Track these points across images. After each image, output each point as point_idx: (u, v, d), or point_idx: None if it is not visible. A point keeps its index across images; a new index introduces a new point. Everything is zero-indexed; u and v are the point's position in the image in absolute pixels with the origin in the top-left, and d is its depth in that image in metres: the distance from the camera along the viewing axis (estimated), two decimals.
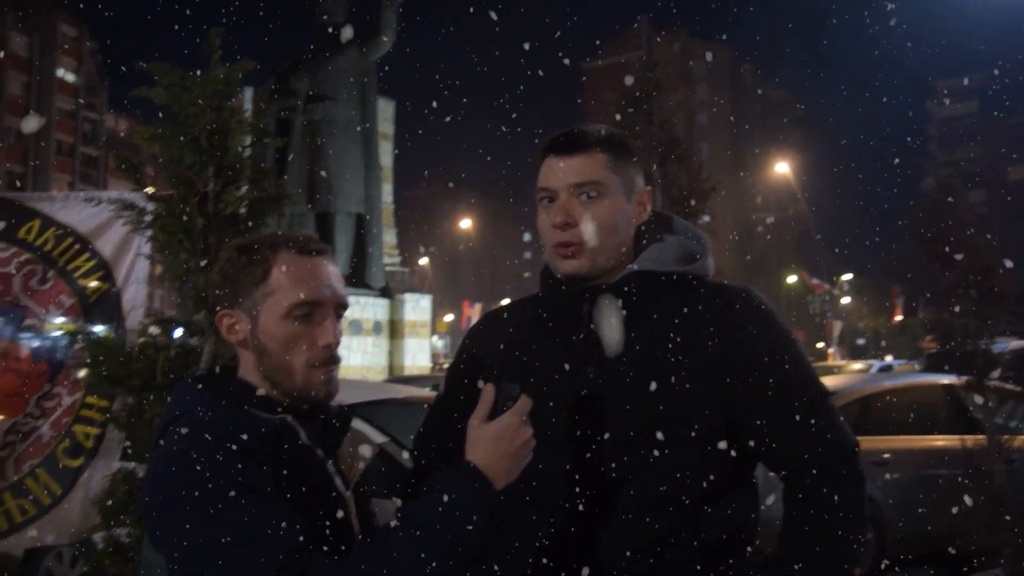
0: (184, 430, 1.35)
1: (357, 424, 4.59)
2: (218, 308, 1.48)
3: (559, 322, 1.67)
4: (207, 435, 1.32)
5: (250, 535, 1.23)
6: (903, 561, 6.56)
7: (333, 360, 1.48)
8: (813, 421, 1.57)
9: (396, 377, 13.90)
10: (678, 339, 1.57)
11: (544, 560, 1.57)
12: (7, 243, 3.33)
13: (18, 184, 49.30)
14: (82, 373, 3.31)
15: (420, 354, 16.14)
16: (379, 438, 4.55)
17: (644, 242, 1.71)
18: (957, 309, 5.74)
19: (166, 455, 1.33)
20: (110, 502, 3.09)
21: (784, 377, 1.58)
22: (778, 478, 1.64)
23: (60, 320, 3.37)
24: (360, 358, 14.80)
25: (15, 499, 3.26)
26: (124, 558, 3.15)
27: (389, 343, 15.65)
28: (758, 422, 1.57)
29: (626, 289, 1.62)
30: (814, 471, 1.56)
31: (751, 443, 1.59)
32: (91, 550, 4.29)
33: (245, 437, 1.33)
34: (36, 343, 3.34)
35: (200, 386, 1.45)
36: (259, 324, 1.44)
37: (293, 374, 1.44)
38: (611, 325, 1.58)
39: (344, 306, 1.51)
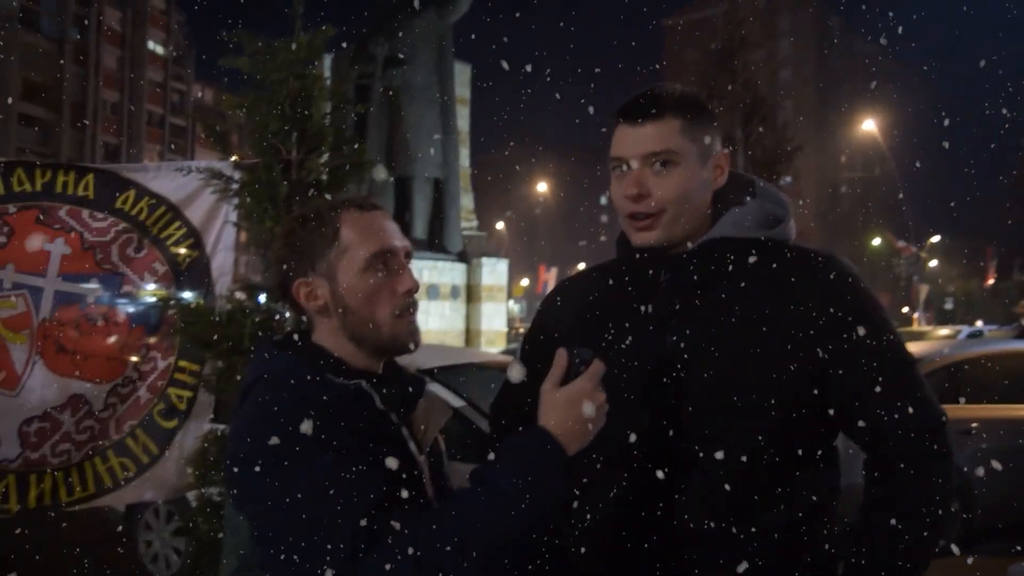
0: (265, 392, 1.39)
1: (433, 388, 4.66)
2: (292, 278, 1.50)
3: (637, 289, 1.65)
4: (287, 397, 1.36)
5: (329, 494, 1.26)
6: (990, 532, 6.39)
7: (415, 306, 1.52)
8: (899, 390, 1.53)
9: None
10: (760, 305, 1.55)
11: (624, 526, 1.58)
12: (105, 213, 3.46)
13: (119, 154, 51.25)
14: (151, 338, 3.44)
15: (497, 318, 16.23)
16: (457, 402, 4.62)
17: (723, 206, 1.66)
18: None
19: (248, 417, 1.38)
20: (202, 462, 3.24)
21: (870, 345, 1.53)
22: (860, 448, 1.61)
23: (154, 287, 3.50)
24: (438, 322, 14.98)
25: (118, 457, 3.43)
26: (215, 515, 3.30)
27: (466, 307, 15.78)
28: (842, 390, 1.54)
29: (705, 256, 1.60)
30: (900, 442, 1.53)
31: (834, 411, 1.56)
32: (185, 507, 4.51)
33: (324, 399, 1.36)
34: (133, 309, 3.48)
35: (279, 350, 1.48)
36: (339, 284, 1.47)
37: (380, 327, 1.47)
38: None
39: (410, 254, 1.55)
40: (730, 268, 1.59)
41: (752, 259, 1.60)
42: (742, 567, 1.50)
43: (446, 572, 1.22)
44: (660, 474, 1.54)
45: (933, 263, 50.31)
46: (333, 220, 1.49)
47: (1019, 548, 5.68)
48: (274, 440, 1.30)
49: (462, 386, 4.93)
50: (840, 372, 1.53)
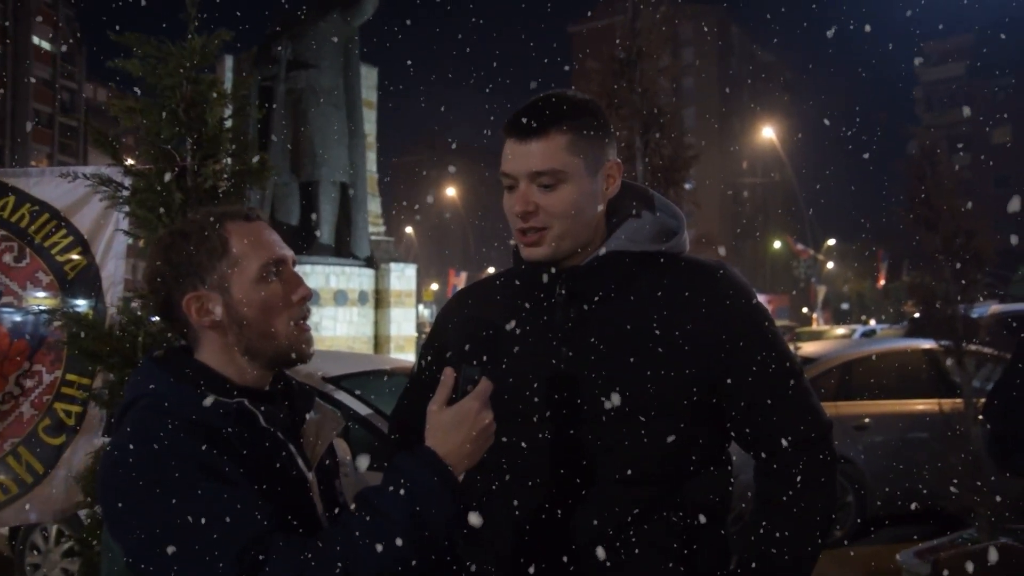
0: (142, 415, 1.34)
1: (338, 395, 4.61)
2: (180, 294, 1.45)
3: (533, 302, 1.66)
4: (165, 420, 1.31)
5: (211, 518, 1.21)
6: (882, 521, 6.68)
7: (309, 314, 1.51)
8: (787, 400, 1.59)
9: None
10: (653, 318, 1.57)
11: (523, 534, 1.58)
12: None
13: (2, 154, 48.55)
14: (35, 351, 3.27)
15: (406, 323, 16.11)
16: (364, 410, 4.56)
17: (619, 217, 1.68)
18: (936, 273, 5.78)
19: (124, 440, 1.31)
20: (93, 479, 3.09)
21: (760, 355, 1.58)
22: (751, 455, 1.66)
23: (39, 296, 3.34)
24: (346, 328, 14.77)
25: None
26: None
27: (375, 313, 15.62)
28: (733, 400, 1.59)
29: (600, 269, 1.62)
30: (788, 450, 1.58)
31: (725, 420, 1.61)
32: (76, 527, 4.31)
33: (203, 422, 1.32)
34: (14, 320, 3.31)
35: (159, 369, 1.43)
36: (233, 295, 1.43)
37: (278, 337, 1.45)
38: None
39: (296, 263, 1.55)
40: (624, 281, 1.61)
41: (645, 271, 1.62)
42: (640, 572, 1.52)
43: None
44: (558, 485, 1.55)
45: (830, 265, 52.42)
46: (219, 232, 1.45)
47: (911, 535, 5.97)
48: (153, 461, 1.25)
49: (370, 393, 4.87)
50: (730, 382, 1.57)
